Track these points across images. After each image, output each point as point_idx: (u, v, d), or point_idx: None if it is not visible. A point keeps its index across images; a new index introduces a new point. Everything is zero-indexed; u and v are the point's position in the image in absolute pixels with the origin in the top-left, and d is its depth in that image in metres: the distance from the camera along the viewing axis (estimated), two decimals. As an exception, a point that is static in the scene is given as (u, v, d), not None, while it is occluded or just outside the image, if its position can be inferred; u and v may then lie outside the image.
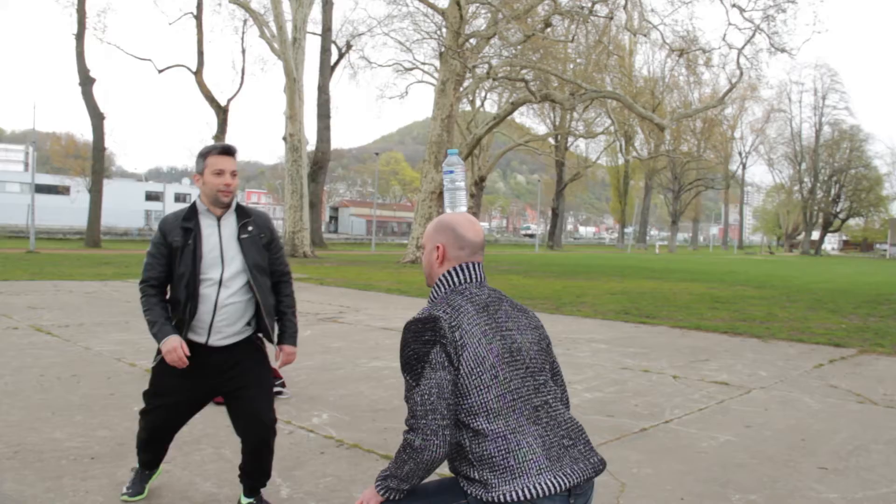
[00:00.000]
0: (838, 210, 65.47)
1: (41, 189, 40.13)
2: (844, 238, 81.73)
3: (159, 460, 3.07)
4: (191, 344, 2.71)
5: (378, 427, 4.16)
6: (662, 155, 51.06)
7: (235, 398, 2.82)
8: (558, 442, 1.75)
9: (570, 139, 52.55)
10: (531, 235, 79.97)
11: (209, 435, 3.87)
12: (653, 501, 3.14)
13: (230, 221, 2.79)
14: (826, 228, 66.31)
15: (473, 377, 1.71)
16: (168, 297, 2.78)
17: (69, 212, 42.64)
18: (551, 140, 51.31)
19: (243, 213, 2.82)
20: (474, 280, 1.88)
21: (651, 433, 4.21)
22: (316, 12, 31.94)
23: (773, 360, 6.79)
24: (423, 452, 1.69)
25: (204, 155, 2.74)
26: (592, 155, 61.49)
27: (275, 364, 3.03)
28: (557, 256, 38.07)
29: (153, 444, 2.95)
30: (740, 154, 72.53)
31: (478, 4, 23.94)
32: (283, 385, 4.88)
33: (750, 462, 3.70)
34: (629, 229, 72.56)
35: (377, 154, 56.08)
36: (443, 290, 1.87)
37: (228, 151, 2.75)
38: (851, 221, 70.04)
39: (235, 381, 2.79)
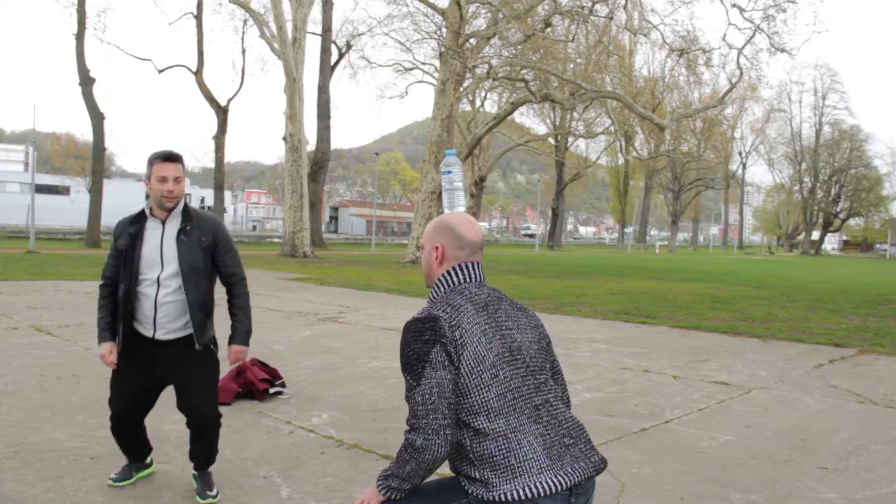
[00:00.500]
0: (838, 210, 65.45)
1: (41, 189, 40.08)
2: (844, 238, 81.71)
3: (140, 453, 3.19)
4: (140, 337, 2.96)
5: (378, 427, 4.16)
6: (662, 155, 51.03)
7: (180, 392, 3.03)
8: (559, 441, 1.75)
9: (570, 139, 52.53)
10: (531, 235, 79.92)
11: (209, 435, 3.87)
12: (653, 501, 3.15)
13: (174, 224, 2.96)
14: (826, 228, 66.30)
15: (474, 376, 1.71)
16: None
17: (69, 212, 42.59)
18: (551, 140, 51.29)
19: (187, 217, 2.98)
20: (474, 280, 1.88)
21: (651, 433, 4.21)
22: (316, 12, 31.92)
23: (773, 360, 6.79)
24: (424, 452, 1.69)
25: (150, 161, 2.91)
26: (592, 155, 61.52)
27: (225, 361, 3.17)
28: (557, 256, 38.07)
29: (121, 432, 3.10)
30: (740, 154, 72.56)
31: (478, 4, 23.94)
32: (283, 385, 4.89)
33: (750, 462, 3.70)
34: (629, 229, 72.53)
35: (377, 154, 56.07)
36: (442, 289, 1.87)
37: (171, 158, 2.92)
38: (851, 221, 70.03)
39: (180, 376, 2.99)
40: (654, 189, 69.63)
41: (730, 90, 28.38)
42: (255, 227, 61.24)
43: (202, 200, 66.91)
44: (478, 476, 1.69)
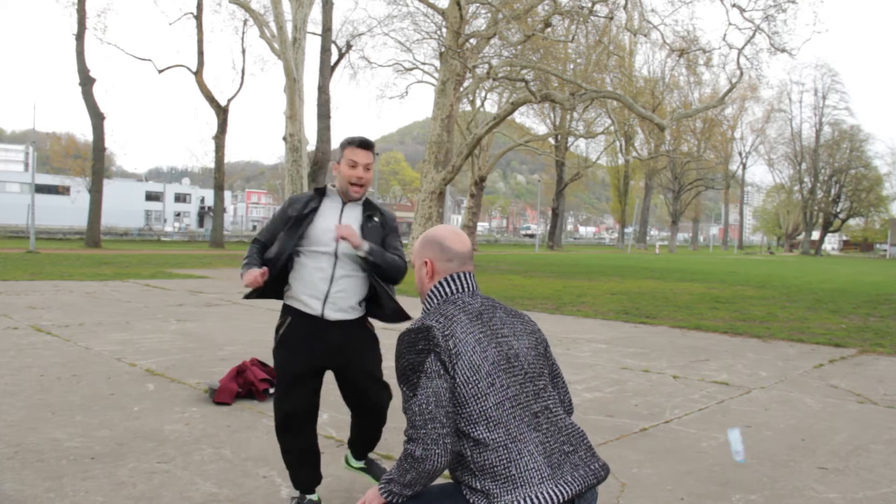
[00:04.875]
0: (838, 210, 65.46)
1: (41, 189, 40.10)
2: (844, 238, 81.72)
3: (314, 478, 2.93)
4: (306, 317, 2.77)
5: (378, 427, 4.15)
6: (662, 155, 51.04)
7: (342, 378, 2.93)
8: (559, 448, 1.75)
9: (570, 139, 52.47)
10: (531, 235, 79.93)
11: (209, 435, 3.87)
12: (653, 501, 3.15)
13: (356, 210, 2.87)
14: (826, 228, 66.29)
15: (470, 385, 1.71)
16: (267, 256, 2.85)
17: (69, 212, 42.59)
18: (551, 140, 51.23)
19: (371, 207, 2.91)
20: (466, 289, 1.89)
21: (651, 433, 4.21)
22: (316, 12, 31.75)
23: (773, 360, 6.79)
24: (424, 462, 1.69)
25: (343, 146, 2.85)
26: (592, 155, 61.42)
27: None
28: (557, 256, 38.06)
29: (294, 435, 2.86)
30: (740, 154, 72.51)
31: (478, 4, 23.93)
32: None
33: (750, 462, 3.69)
34: (629, 229, 72.48)
35: (377, 154, 56.06)
36: (435, 301, 1.88)
37: (365, 145, 2.85)
38: (851, 221, 70.03)
39: (347, 360, 2.86)
40: (654, 189, 69.60)
41: (730, 90, 28.29)
42: (255, 227, 61.22)
43: (202, 200, 66.94)
44: (479, 486, 1.69)
